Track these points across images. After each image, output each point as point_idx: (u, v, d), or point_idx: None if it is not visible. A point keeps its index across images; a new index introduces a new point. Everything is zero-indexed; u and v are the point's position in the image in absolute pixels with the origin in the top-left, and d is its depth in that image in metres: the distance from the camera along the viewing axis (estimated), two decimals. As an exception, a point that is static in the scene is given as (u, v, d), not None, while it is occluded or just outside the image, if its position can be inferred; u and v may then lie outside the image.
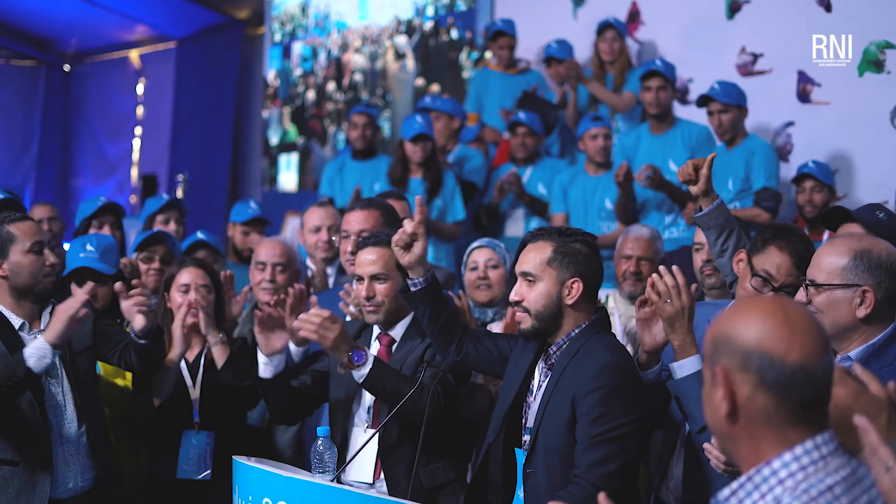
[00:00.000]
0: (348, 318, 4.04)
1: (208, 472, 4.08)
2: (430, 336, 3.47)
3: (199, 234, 5.64)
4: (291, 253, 4.92)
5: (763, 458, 1.75)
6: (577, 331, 3.13)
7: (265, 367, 3.67)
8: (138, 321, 3.68)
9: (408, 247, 3.34)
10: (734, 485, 1.76)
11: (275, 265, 4.80)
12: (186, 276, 4.25)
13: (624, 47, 6.95)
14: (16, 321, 3.69)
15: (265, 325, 3.71)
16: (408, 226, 3.32)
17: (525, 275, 3.15)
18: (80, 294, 3.53)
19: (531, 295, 3.13)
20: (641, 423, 3.06)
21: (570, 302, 3.12)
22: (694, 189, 3.66)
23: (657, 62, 6.24)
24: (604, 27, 6.94)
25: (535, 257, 3.15)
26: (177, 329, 4.12)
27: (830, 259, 2.78)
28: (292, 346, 3.89)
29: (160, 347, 3.88)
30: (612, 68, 6.95)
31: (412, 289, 3.37)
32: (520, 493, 3.13)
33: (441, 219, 6.45)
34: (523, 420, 3.20)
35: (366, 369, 3.45)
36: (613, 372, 3.00)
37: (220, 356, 4.18)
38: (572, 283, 3.12)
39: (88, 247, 4.24)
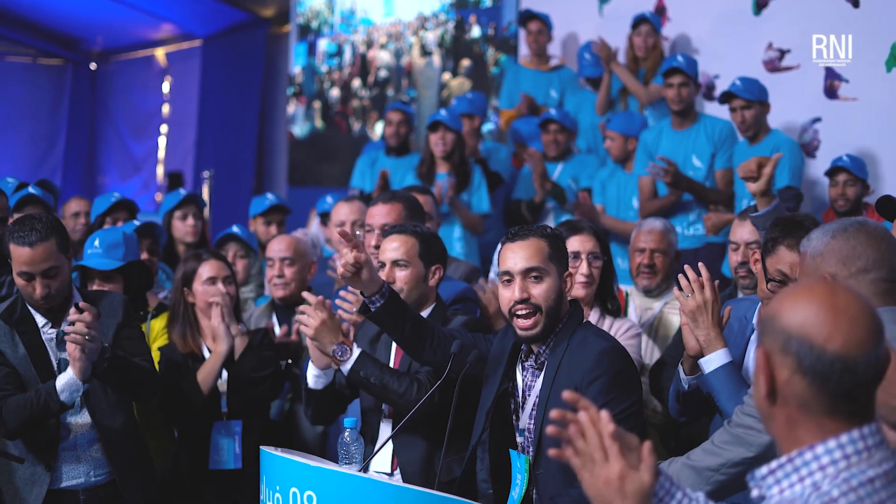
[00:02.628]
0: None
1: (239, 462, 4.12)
2: (400, 344, 3.39)
3: (235, 229, 5.66)
4: (300, 246, 4.93)
5: (800, 442, 1.73)
6: (560, 326, 3.11)
7: (316, 380, 3.58)
8: (76, 367, 3.44)
9: (356, 275, 3.24)
10: (773, 464, 1.75)
11: (282, 259, 4.85)
12: (210, 269, 4.29)
13: (658, 42, 6.88)
14: (40, 320, 3.71)
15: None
16: (349, 257, 3.22)
17: (532, 271, 3.06)
18: (78, 325, 3.40)
19: (539, 291, 3.06)
20: (641, 402, 3.07)
21: (568, 295, 3.13)
22: (753, 187, 3.62)
23: (678, 58, 6.19)
24: (638, 21, 6.87)
25: (535, 253, 3.08)
26: (218, 324, 4.15)
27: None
28: None
29: (123, 375, 3.64)
30: (644, 63, 6.90)
31: (372, 308, 3.26)
32: (514, 493, 3.10)
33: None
34: (514, 421, 3.17)
35: (349, 364, 3.40)
36: (612, 358, 3.01)
37: (239, 347, 4.22)
38: (567, 276, 3.13)
39: (96, 243, 4.26)
